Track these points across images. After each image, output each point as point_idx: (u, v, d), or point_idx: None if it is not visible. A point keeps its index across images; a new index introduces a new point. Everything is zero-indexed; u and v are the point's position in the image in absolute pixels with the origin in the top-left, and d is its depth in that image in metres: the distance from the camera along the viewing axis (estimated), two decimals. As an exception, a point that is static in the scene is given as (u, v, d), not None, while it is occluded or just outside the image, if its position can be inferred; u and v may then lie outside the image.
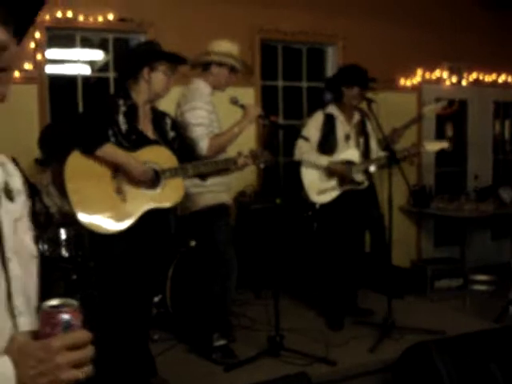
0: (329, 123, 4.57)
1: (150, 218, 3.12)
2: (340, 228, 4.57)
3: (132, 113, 3.21)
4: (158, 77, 3.26)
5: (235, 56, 3.89)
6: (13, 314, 1.13)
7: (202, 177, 3.52)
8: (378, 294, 4.89)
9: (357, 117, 4.67)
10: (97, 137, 3.05)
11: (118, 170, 3.11)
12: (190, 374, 3.65)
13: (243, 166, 3.52)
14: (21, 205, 1.24)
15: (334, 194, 4.53)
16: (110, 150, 3.05)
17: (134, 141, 3.16)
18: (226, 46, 3.88)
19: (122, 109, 3.18)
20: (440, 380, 3.11)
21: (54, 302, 1.08)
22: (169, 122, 3.45)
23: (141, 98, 3.27)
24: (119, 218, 3.07)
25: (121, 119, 3.15)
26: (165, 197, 3.20)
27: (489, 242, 6.83)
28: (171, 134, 3.41)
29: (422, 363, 3.24)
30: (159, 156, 3.23)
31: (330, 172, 4.50)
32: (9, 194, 1.18)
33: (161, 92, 3.31)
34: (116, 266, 3.16)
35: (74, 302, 1.09)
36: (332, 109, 4.62)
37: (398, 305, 4.56)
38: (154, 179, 3.16)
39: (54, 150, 3.12)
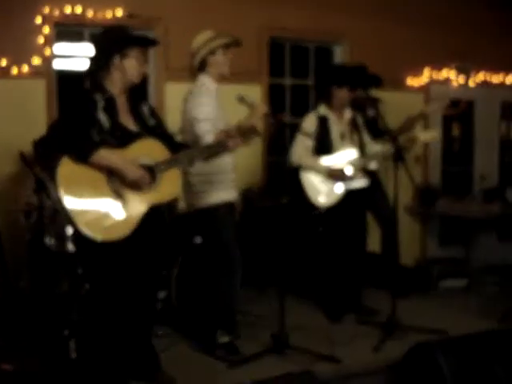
0: (322, 125, 4.58)
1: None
2: (345, 228, 4.58)
3: (111, 106, 3.12)
4: (131, 63, 3.16)
5: (216, 36, 3.84)
6: None
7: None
8: (382, 293, 4.88)
9: (348, 114, 4.66)
10: (87, 143, 2.98)
11: (112, 173, 3.04)
12: (194, 370, 3.66)
13: (234, 147, 3.39)
14: None
15: (336, 196, 4.52)
16: (103, 156, 2.98)
17: (119, 137, 3.08)
18: (202, 37, 3.83)
19: (101, 104, 3.09)
20: (443, 380, 3.12)
21: None
22: (146, 109, 3.35)
23: (116, 88, 3.18)
24: (123, 223, 3.03)
25: (101, 116, 3.07)
26: (163, 191, 3.14)
27: (494, 243, 6.81)
28: (151, 121, 3.33)
29: (426, 363, 3.24)
30: (150, 150, 3.15)
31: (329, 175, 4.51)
32: None
33: (135, 78, 3.22)
34: (110, 262, 3.11)
35: None
36: (323, 110, 4.61)
37: (403, 304, 4.54)
38: (149, 179, 3.09)
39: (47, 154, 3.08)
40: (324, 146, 4.56)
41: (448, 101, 5.26)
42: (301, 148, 4.51)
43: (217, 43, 3.81)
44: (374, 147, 4.60)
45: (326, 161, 4.53)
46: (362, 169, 4.59)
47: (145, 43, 3.31)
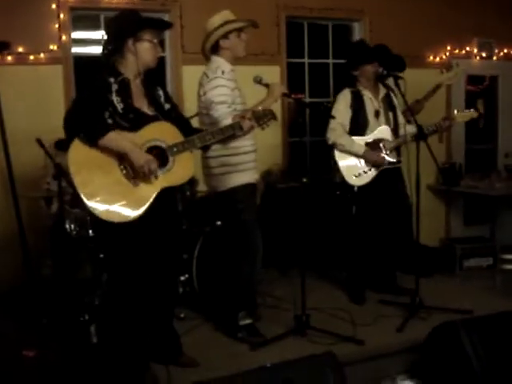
0: (357, 100, 4.51)
1: (156, 197, 3.07)
2: (379, 209, 4.55)
3: (125, 89, 3.10)
4: (144, 46, 3.12)
5: (232, 19, 3.79)
6: None
7: (205, 148, 3.42)
8: (405, 274, 4.84)
9: (383, 91, 4.59)
10: (98, 125, 2.94)
11: (123, 156, 3.02)
12: (216, 352, 3.65)
13: (249, 130, 3.38)
14: None
15: (371, 176, 4.49)
16: (112, 139, 2.95)
17: (133, 120, 3.06)
18: (218, 19, 3.78)
19: (114, 87, 3.06)
20: (467, 359, 3.08)
21: None
22: (162, 93, 3.32)
23: (130, 72, 3.15)
24: (135, 203, 3.01)
25: (115, 98, 3.04)
26: (176, 174, 3.11)
27: (520, 221, 6.70)
28: (166, 105, 3.30)
29: (450, 343, 3.20)
30: (163, 132, 3.12)
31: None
32: None
33: (150, 62, 3.18)
34: (129, 246, 3.10)
35: None
36: (358, 86, 4.55)
37: (427, 284, 4.51)
38: (161, 162, 3.06)
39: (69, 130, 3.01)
40: (358, 121, 4.51)
41: (461, 67, 5.15)
42: (337, 125, 4.46)
43: (229, 27, 3.76)
44: (409, 128, 4.50)
45: (361, 141, 4.49)
46: (396, 148, 4.55)
47: (158, 26, 3.28)
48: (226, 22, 3.76)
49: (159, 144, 3.09)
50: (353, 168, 4.50)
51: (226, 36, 3.77)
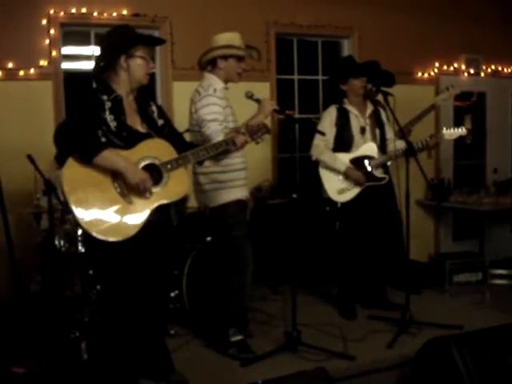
0: (343, 117, 4.53)
1: (150, 214, 3.05)
2: (363, 224, 4.54)
3: (118, 107, 3.08)
4: (137, 62, 3.10)
5: (237, 45, 3.81)
6: None
7: (200, 162, 3.42)
8: (395, 289, 4.85)
9: (370, 107, 4.61)
10: (92, 144, 2.93)
11: (117, 174, 3.00)
12: (207, 369, 3.64)
13: (243, 144, 3.37)
14: None
15: (354, 192, 4.49)
16: (107, 157, 2.92)
17: (126, 138, 3.04)
18: (226, 38, 3.80)
19: (107, 105, 3.04)
20: (458, 374, 3.07)
21: None
22: (155, 109, 3.30)
23: (123, 89, 3.13)
24: (129, 221, 2.99)
25: (108, 117, 3.02)
26: (171, 191, 3.09)
27: (508, 236, 6.73)
28: (160, 121, 3.29)
29: (440, 358, 3.20)
30: (156, 149, 3.10)
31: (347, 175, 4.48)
32: None
33: (142, 79, 3.16)
34: (120, 262, 3.07)
35: None
36: (344, 103, 4.57)
37: (416, 299, 4.52)
38: (155, 179, 3.04)
39: (63, 149, 2.99)
40: (344, 138, 4.52)
41: (458, 89, 5.19)
42: (320, 142, 4.47)
43: (230, 52, 3.78)
44: (398, 143, 4.50)
45: (345, 157, 4.49)
46: (382, 165, 4.55)
47: (150, 42, 3.28)
48: (230, 46, 3.78)
49: (153, 161, 3.07)
50: (336, 184, 4.51)
51: (225, 57, 3.79)
